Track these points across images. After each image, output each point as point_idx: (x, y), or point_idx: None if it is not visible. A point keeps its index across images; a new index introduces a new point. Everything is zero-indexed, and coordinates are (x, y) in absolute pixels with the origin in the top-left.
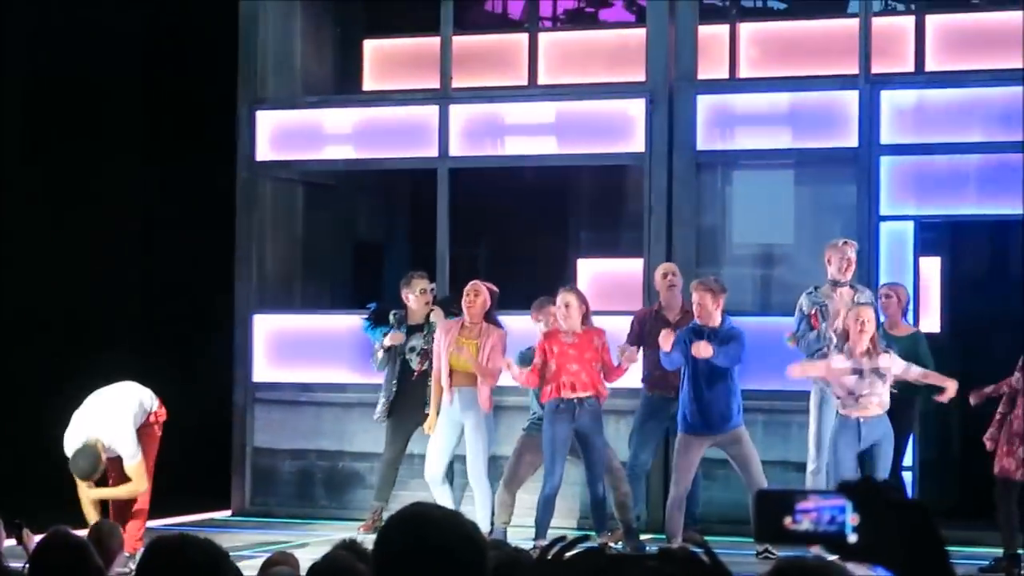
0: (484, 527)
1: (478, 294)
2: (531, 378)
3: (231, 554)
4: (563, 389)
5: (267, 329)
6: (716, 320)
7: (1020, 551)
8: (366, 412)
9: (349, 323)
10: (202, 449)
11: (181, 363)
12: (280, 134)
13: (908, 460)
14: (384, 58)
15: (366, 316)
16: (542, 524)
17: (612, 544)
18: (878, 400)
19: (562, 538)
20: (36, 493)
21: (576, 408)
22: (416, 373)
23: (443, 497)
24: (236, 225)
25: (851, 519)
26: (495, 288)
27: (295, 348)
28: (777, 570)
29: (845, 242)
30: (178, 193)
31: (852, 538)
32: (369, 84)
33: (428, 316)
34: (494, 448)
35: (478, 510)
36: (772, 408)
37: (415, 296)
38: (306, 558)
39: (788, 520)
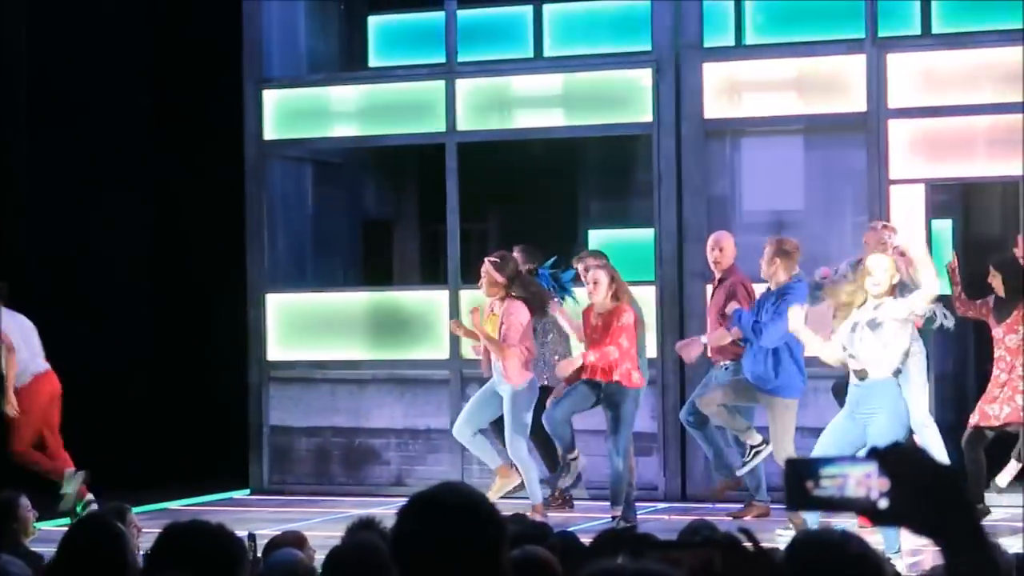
0: (536, 501)
1: (483, 275)
2: None
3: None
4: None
5: (280, 307)
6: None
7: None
8: (380, 388)
9: (361, 299)
10: (219, 429)
11: (195, 344)
12: (287, 113)
13: None
14: (389, 34)
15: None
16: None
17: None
18: (868, 358)
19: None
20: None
21: None
22: None
23: (474, 448)
24: (246, 204)
25: (880, 484)
26: (505, 255)
27: (308, 326)
28: (795, 543)
29: (885, 225)
30: (186, 173)
31: (882, 503)
32: (374, 61)
33: None
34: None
35: (527, 485)
36: None
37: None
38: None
39: (813, 486)
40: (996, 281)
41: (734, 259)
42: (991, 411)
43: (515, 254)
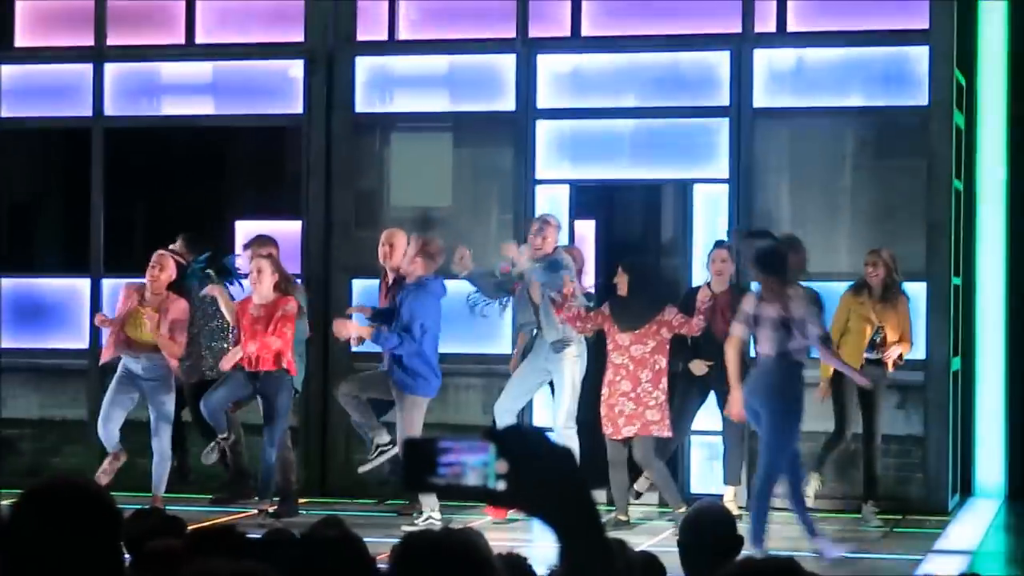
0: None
1: (163, 268)
2: None
3: None
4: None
5: None
6: None
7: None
8: (16, 377)
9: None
10: None
11: None
12: None
13: None
14: (37, 14)
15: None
16: None
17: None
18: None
19: None
20: None
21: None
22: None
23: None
24: None
25: (498, 467)
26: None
27: None
28: (739, 568)
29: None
30: None
31: (500, 486)
32: (21, 41)
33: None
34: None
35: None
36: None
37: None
38: None
39: (431, 474)
40: (622, 281)
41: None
42: (624, 429)
43: (178, 243)
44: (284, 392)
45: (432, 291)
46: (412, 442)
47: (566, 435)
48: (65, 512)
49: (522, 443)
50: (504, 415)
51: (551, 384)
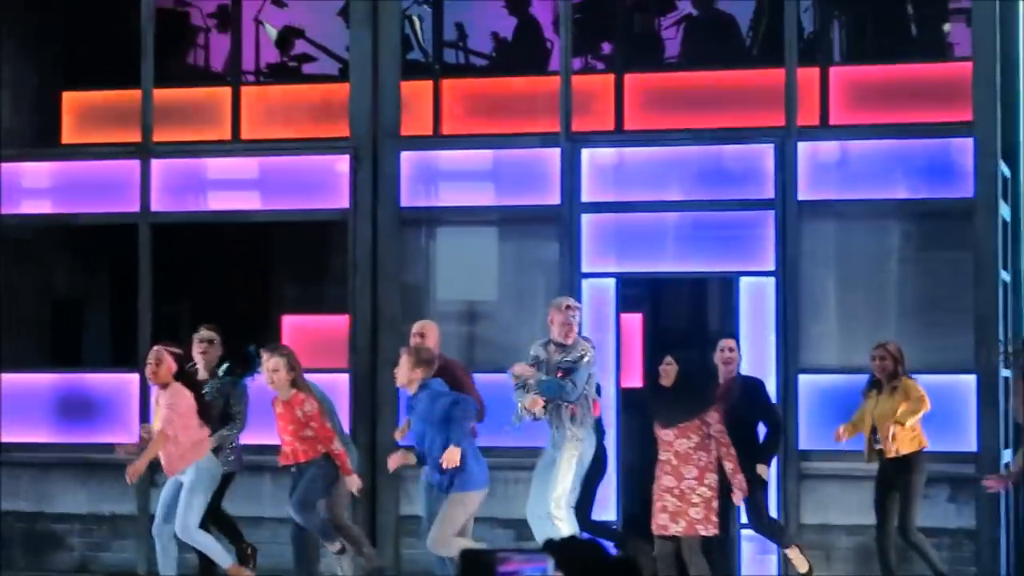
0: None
1: (160, 362)
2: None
3: None
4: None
5: None
6: None
7: None
8: (66, 472)
9: (48, 381)
10: None
11: None
12: None
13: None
14: (83, 111)
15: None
16: None
17: None
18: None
19: None
20: None
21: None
22: None
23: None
24: None
25: None
26: (177, 350)
27: None
28: None
29: (568, 305)
30: None
31: None
32: (68, 137)
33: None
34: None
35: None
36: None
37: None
38: None
39: None
40: (670, 371)
41: (438, 347)
42: (670, 526)
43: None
44: (314, 471)
45: (440, 390)
46: (470, 553)
47: (556, 515)
48: None
49: (579, 555)
50: (535, 520)
51: None
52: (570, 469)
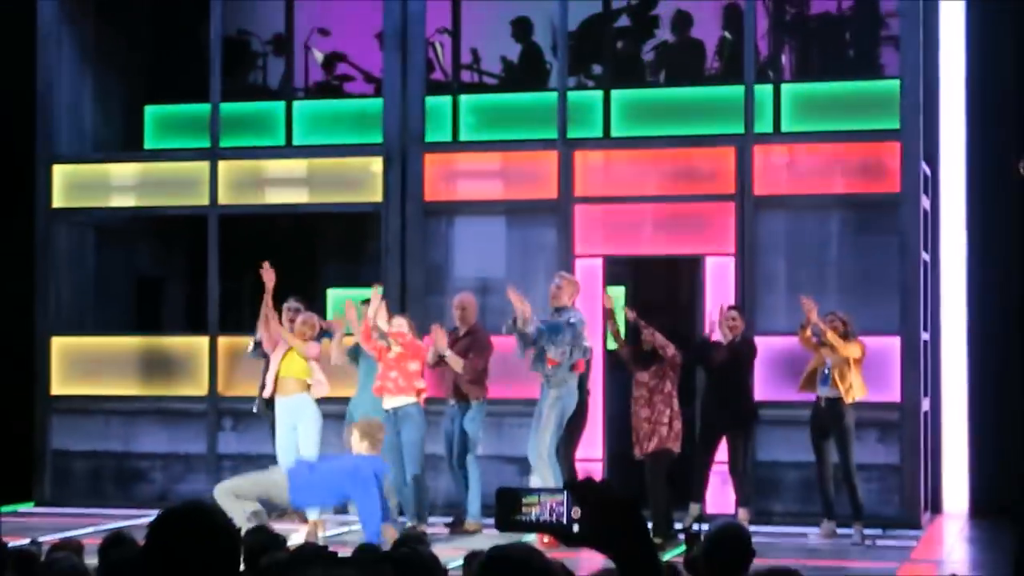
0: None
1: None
2: None
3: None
4: None
5: (62, 350)
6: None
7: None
8: (148, 419)
9: (133, 344)
10: (7, 452)
11: None
12: (72, 185)
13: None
14: (162, 122)
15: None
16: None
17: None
18: None
19: None
20: None
21: None
22: None
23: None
24: (35, 263)
25: (574, 512)
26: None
27: (87, 366)
28: (488, 557)
29: (557, 276)
30: None
31: (575, 528)
32: (150, 143)
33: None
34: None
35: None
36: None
37: None
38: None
39: (515, 512)
40: (647, 333)
41: (475, 315)
42: (646, 444)
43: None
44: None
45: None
46: (501, 490)
47: (539, 466)
48: (195, 532)
49: (594, 493)
50: (532, 453)
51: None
52: (551, 416)
